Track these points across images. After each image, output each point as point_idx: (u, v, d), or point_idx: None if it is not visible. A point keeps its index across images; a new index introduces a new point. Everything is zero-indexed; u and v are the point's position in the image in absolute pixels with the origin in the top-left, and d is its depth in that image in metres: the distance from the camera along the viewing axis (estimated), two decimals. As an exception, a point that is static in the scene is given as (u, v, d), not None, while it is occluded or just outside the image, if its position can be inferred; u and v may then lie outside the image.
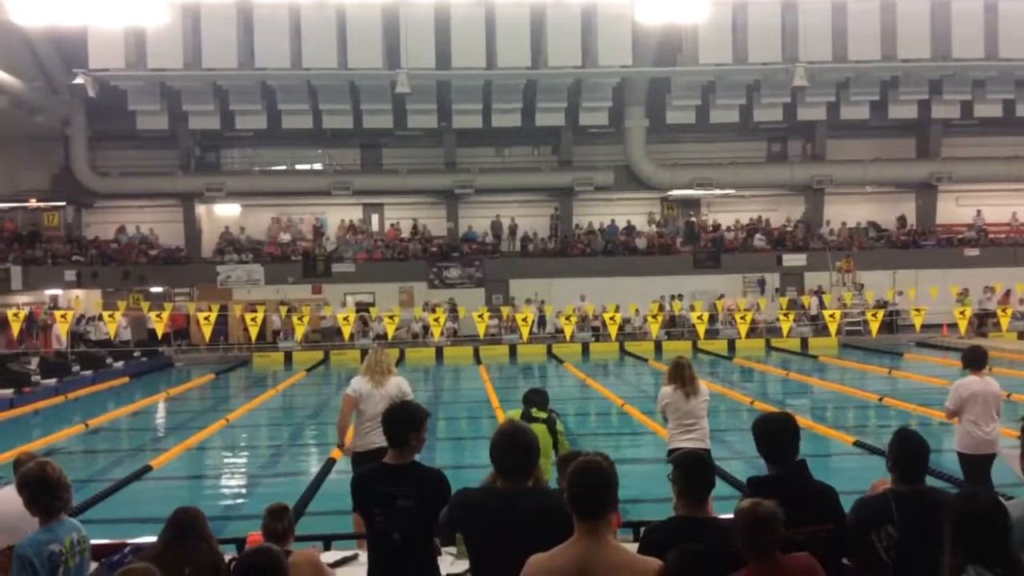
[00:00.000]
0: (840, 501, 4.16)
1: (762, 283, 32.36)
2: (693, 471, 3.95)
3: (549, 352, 27.81)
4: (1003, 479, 7.45)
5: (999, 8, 29.56)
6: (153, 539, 4.61)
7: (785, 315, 27.33)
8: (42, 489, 4.08)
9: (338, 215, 34.13)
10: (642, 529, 4.25)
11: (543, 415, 7.16)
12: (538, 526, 3.71)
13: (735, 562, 3.63)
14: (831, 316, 26.18)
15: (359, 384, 7.87)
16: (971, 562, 3.15)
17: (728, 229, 33.85)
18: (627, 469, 9.50)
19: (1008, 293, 29.32)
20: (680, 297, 30.31)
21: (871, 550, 3.97)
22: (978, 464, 7.81)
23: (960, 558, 3.20)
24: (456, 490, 4.16)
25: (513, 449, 3.95)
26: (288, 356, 28.01)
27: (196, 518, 4.24)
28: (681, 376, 8.01)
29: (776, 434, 4.29)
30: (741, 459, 10.86)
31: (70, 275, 30.17)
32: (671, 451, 7.95)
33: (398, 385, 7.76)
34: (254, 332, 25.25)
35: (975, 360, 8.12)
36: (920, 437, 4.25)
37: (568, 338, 27.86)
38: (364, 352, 8.59)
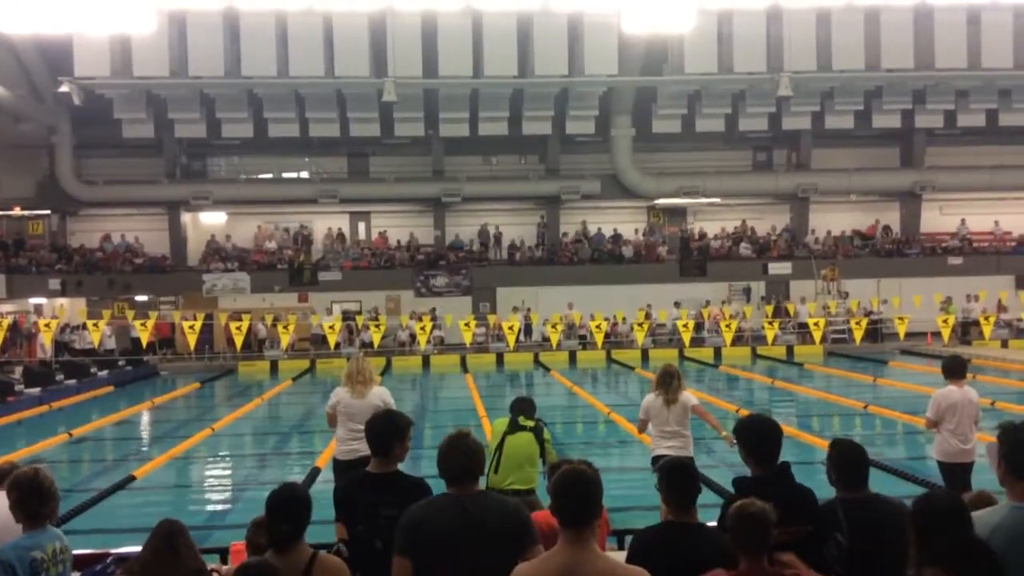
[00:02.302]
0: (818, 503, 4.19)
1: (748, 291, 32.50)
2: (678, 477, 3.99)
3: (536, 360, 27.81)
4: (985, 486, 7.50)
5: (982, 18, 29.81)
6: (136, 549, 4.59)
7: (770, 323, 27.44)
8: (32, 495, 4.08)
9: (325, 223, 34.08)
10: (628, 538, 4.27)
11: (530, 423, 7.17)
12: (495, 529, 3.72)
13: (724, 567, 3.66)
14: (816, 324, 26.29)
15: (339, 395, 7.85)
16: (935, 564, 3.18)
17: (714, 237, 33.97)
18: (614, 477, 9.53)
19: (1001, 302, 29.52)
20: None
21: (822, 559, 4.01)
22: (957, 472, 7.89)
23: (924, 560, 3.23)
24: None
25: (464, 451, 3.91)
26: (274, 365, 27.91)
27: (182, 528, 4.23)
28: (666, 384, 8.05)
29: (759, 436, 4.34)
30: (727, 467, 10.87)
31: (54, 283, 29.99)
32: (654, 458, 7.99)
33: (380, 395, 7.71)
34: (239, 341, 25.16)
35: (954, 370, 8.20)
36: (858, 445, 4.32)
37: (555, 346, 27.88)
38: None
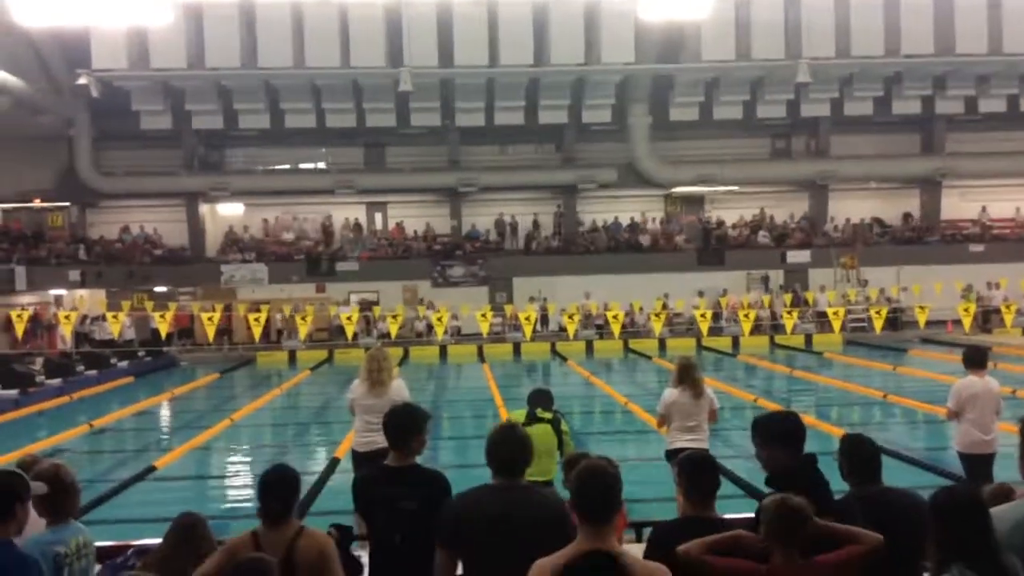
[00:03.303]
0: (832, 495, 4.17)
1: (766, 280, 32.33)
2: (699, 472, 3.96)
3: (553, 350, 27.79)
4: (1006, 478, 7.44)
5: (1003, 3, 29.46)
6: (157, 541, 4.62)
7: (789, 312, 27.28)
8: (55, 490, 4.10)
9: (342, 214, 34.13)
10: (645, 529, 4.26)
11: (548, 415, 7.18)
12: (537, 522, 3.73)
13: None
14: (835, 313, 26.11)
15: (357, 392, 7.87)
16: (954, 559, 3.16)
17: (732, 226, 33.80)
18: (631, 468, 9.51)
19: None
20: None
21: None
22: (979, 463, 7.82)
23: (943, 555, 3.21)
24: (452, 497, 4.13)
25: (511, 441, 3.98)
26: (292, 355, 28.03)
27: (201, 521, 4.26)
28: (690, 378, 8.01)
29: (786, 434, 4.31)
30: (745, 457, 10.82)
31: (74, 275, 30.21)
32: (670, 451, 7.96)
33: (397, 392, 7.71)
34: (257, 331, 25.27)
35: (976, 360, 8.11)
36: (869, 439, 4.28)
37: (571, 336, 27.84)
38: (368, 351, 8.48)
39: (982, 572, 3.14)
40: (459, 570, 3.98)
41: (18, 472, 4.01)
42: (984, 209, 33.85)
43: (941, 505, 3.32)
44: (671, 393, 8.07)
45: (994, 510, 3.72)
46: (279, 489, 4.11)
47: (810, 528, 3.55)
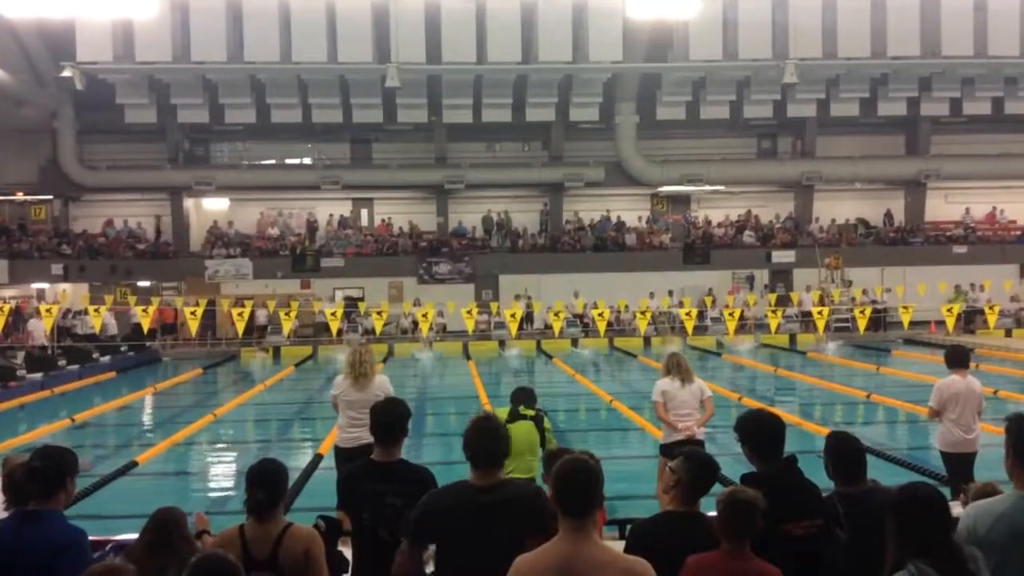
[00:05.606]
0: (823, 497, 4.16)
1: (751, 279, 32.44)
2: (702, 474, 3.93)
3: (538, 347, 27.78)
4: (988, 476, 7.47)
5: (988, 6, 29.60)
6: (136, 536, 4.58)
7: (773, 311, 27.36)
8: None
9: (327, 210, 34.02)
10: (628, 527, 4.25)
11: (530, 412, 7.19)
12: (514, 518, 3.71)
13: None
14: (819, 313, 26.22)
15: (341, 386, 7.85)
16: (913, 556, 3.15)
17: (718, 225, 33.88)
18: (615, 465, 9.51)
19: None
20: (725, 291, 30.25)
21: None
22: (960, 462, 7.87)
23: (901, 552, 3.20)
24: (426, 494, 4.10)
25: (485, 432, 3.95)
26: (276, 351, 27.90)
27: (178, 517, 4.21)
28: (677, 366, 8.18)
29: (762, 432, 4.29)
30: (729, 455, 10.83)
31: (57, 269, 30.02)
32: (667, 445, 8.00)
33: (381, 386, 7.70)
34: (241, 327, 25.14)
35: (957, 359, 8.17)
36: (853, 437, 4.27)
37: (557, 334, 27.85)
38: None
39: (941, 568, 3.13)
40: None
41: (69, 449, 4.13)
42: (968, 211, 34.06)
43: (902, 502, 3.31)
44: (663, 382, 8.26)
45: (979, 503, 3.74)
46: (266, 482, 4.06)
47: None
